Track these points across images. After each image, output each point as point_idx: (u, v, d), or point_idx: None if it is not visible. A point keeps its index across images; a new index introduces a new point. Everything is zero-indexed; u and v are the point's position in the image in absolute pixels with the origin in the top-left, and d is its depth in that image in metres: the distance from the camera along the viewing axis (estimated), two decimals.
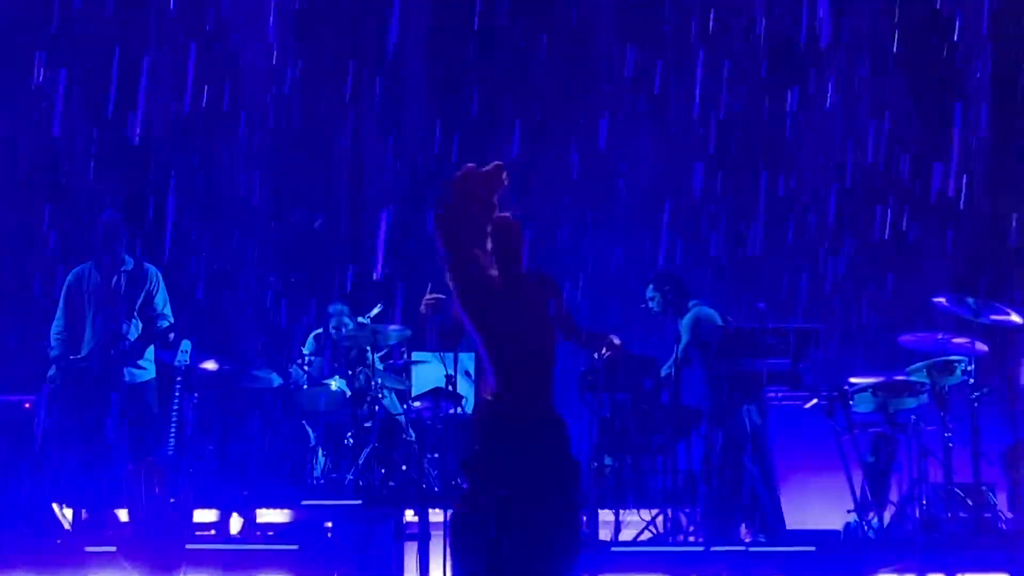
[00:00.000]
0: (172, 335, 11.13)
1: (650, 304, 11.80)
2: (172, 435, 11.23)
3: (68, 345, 11.12)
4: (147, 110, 14.57)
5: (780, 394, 11.13)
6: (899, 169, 14.54)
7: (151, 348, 11.21)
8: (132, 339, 11.03)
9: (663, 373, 11.52)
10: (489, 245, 1.73)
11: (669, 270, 11.95)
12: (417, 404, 12.24)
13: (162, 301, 11.23)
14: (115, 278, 11.09)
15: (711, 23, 14.91)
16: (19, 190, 14.24)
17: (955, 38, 14.50)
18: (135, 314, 11.08)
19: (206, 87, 14.65)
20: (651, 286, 11.82)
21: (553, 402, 3.36)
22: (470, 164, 1.76)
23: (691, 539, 10.73)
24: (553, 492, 3.30)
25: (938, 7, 14.46)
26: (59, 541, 10.29)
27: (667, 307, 11.68)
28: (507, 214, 2.81)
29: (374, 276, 12.96)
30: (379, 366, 12.41)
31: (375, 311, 12.69)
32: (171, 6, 14.59)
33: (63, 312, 11.21)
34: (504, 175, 1.78)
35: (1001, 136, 14.44)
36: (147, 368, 11.17)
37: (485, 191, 1.76)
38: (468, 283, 1.71)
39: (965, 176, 14.39)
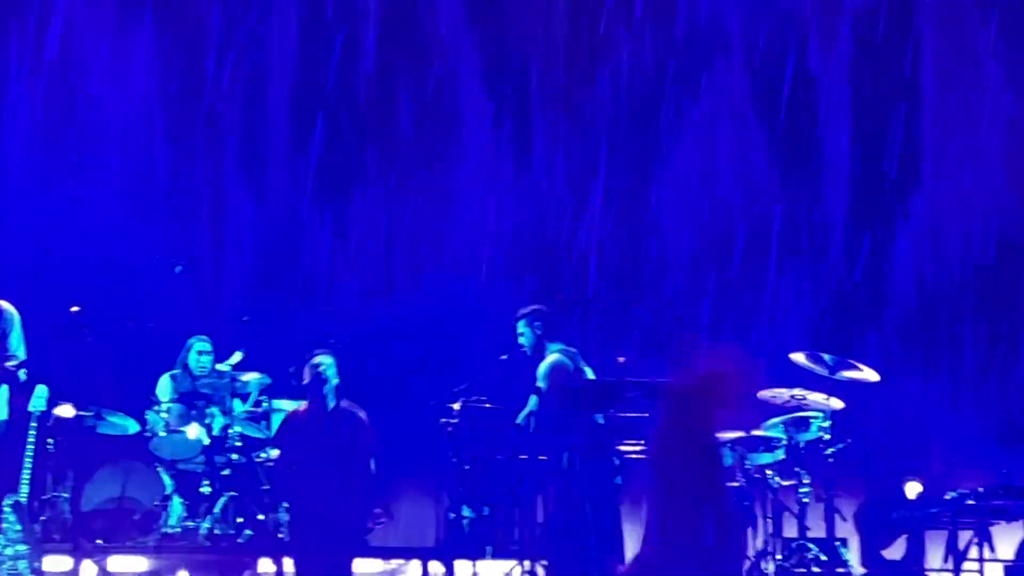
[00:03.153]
0: (25, 373, 10.96)
1: (520, 341, 11.66)
2: (26, 481, 11.05)
3: None
4: (5, 153, 14.41)
5: (639, 447, 11.17)
6: (759, 224, 14.74)
7: (3, 389, 11.00)
8: None
9: (519, 421, 11.48)
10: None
11: (540, 308, 11.83)
12: (276, 452, 12.15)
13: (16, 342, 11.04)
14: None
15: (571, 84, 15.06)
16: None
17: (817, 95, 14.77)
18: None
19: (67, 129, 14.52)
20: (522, 322, 11.65)
21: None
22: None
23: None
24: None
25: (801, 66, 14.71)
26: None
27: (535, 346, 11.52)
28: None
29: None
30: (238, 413, 12.33)
31: (235, 358, 12.61)
32: (33, 49, 14.47)
33: None
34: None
35: (861, 193, 14.71)
36: None
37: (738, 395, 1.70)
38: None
39: (823, 233, 14.64)
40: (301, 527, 11.03)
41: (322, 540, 10.75)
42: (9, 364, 10.91)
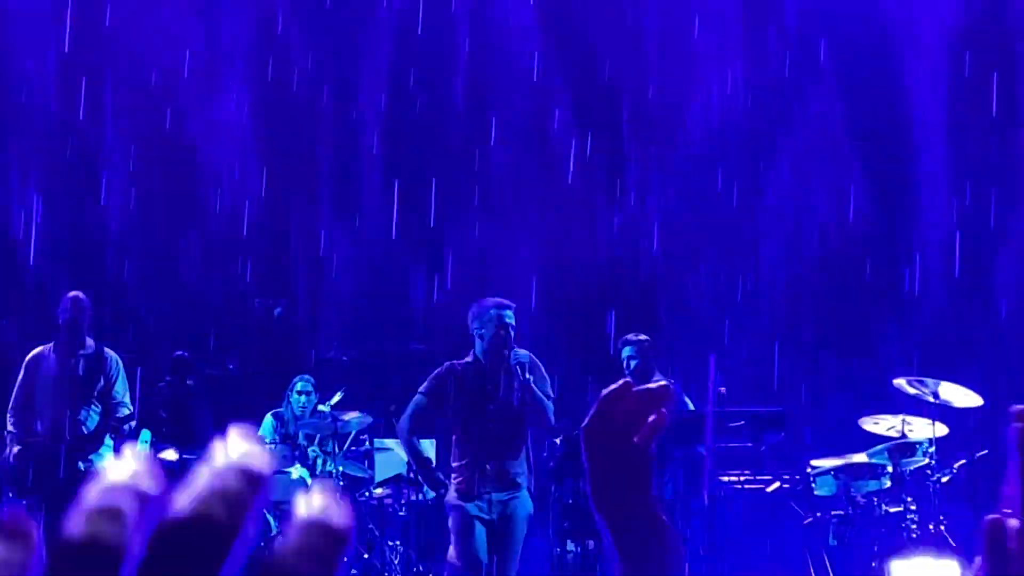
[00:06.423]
0: (132, 424, 11.03)
1: (630, 364, 11.63)
2: None
3: (23, 427, 10.96)
4: (107, 198, 14.57)
5: (742, 478, 11.13)
6: (858, 250, 14.63)
7: (109, 436, 11.08)
8: (91, 426, 10.87)
9: None
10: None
11: (643, 337, 11.81)
12: (379, 491, 12.19)
13: (122, 389, 11.10)
14: (74, 361, 10.96)
15: (662, 114, 15.03)
16: None
17: (913, 127, 14.64)
18: (94, 400, 10.94)
19: (165, 175, 14.67)
20: (633, 348, 11.64)
21: None
22: (630, 384, 1.58)
23: None
24: None
25: (897, 97, 14.60)
26: None
27: (639, 375, 11.51)
28: None
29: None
30: (339, 453, 12.37)
31: (336, 398, 12.65)
32: (130, 97, 14.63)
33: (20, 393, 11.05)
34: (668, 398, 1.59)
35: (959, 221, 14.56)
36: (104, 455, 11.02)
37: (642, 411, 1.56)
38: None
39: (923, 257, 14.51)
40: None
41: None
42: (120, 414, 10.98)
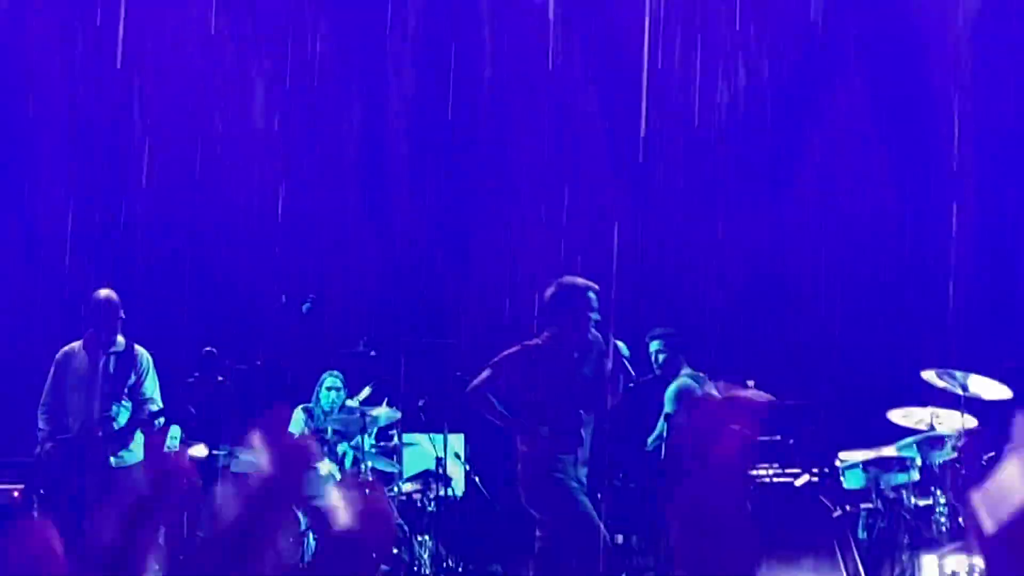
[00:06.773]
0: (161, 420, 11.04)
1: (658, 357, 11.63)
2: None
3: (55, 424, 10.99)
4: (135, 195, 14.61)
5: (770, 471, 11.11)
6: (887, 240, 14.59)
7: (139, 433, 11.11)
8: (121, 422, 10.90)
9: (649, 447, 11.47)
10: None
11: (671, 330, 11.82)
12: (408, 487, 12.21)
13: (151, 386, 11.13)
14: (104, 359, 10.99)
15: (682, 103, 15.00)
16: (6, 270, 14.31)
17: (940, 116, 14.58)
18: (124, 396, 10.97)
19: (190, 169, 14.70)
20: (661, 341, 11.63)
21: None
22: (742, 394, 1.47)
23: None
24: None
25: (923, 85, 14.55)
26: None
27: (667, 368, 11.53)
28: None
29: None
30: (368, 448, 12.38)
31: (364, 393, 12.66)
32: (158, 93, 14.67)
33: (50, 390, 11.08)
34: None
35: (987, 213, 14.50)
36: (134, 451, 11.05)
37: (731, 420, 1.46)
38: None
39: (951, 246, 14.45)
40: None
41: None
42: (149, 408, 11.01)
